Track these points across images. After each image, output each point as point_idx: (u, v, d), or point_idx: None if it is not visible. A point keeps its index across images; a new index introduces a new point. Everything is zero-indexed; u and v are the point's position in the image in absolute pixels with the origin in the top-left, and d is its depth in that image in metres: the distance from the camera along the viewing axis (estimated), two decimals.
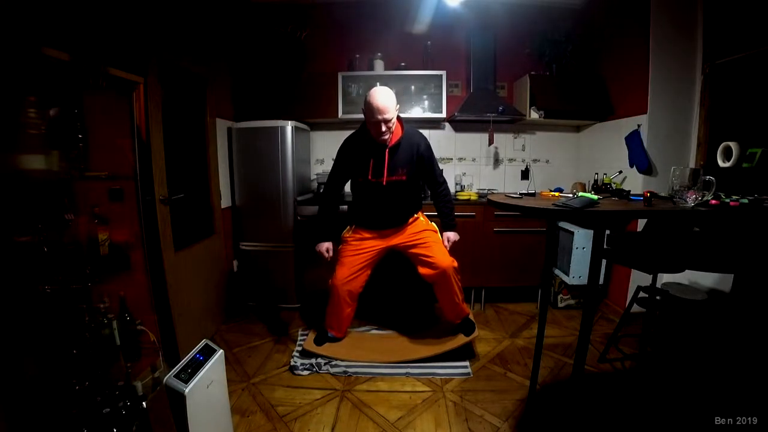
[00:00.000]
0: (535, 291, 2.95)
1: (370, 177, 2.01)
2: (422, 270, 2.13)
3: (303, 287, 2.92)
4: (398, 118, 2.02)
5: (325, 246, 2.19)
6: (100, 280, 1.46)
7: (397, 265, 2.44)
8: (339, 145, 2.17)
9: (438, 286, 2.15)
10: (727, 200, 1.33)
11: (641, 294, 2.04)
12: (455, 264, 2.11)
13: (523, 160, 3.41)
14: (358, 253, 2.14)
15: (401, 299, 2.89)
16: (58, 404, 1.31)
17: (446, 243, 2.16)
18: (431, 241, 2.13)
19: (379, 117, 1.87)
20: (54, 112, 1.40)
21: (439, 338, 2.27)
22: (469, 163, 3.43)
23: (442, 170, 2.24)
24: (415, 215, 2.19)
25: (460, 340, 2.19)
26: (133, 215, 1.79)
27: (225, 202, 2.80)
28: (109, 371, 1.42)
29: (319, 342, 2.26)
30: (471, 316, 2.30)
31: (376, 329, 2.52)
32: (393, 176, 2.01)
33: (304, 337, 2.38)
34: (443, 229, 2.21)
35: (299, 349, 2.30)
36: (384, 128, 1.90)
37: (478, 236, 2.82)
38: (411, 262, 2.21)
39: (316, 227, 2.33)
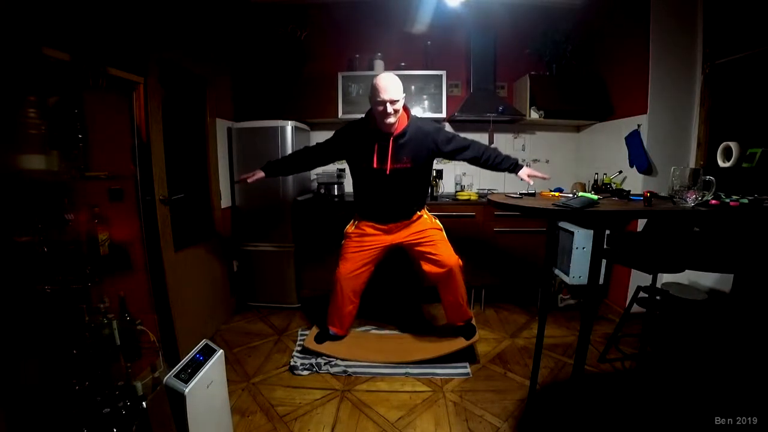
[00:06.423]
0: (535, 291, 2.95)
1: (375, 165, 1.97)
2: (428, 268, 2.11)
3: (303, 287, 2.93)
4: (405, 108, 1.99)
5: (258, 174, 2.12)
6: (100, 280, 1.46)
7: (399, 266, 2.44)
8: None
9: (443, 286, 2.14)
10: (727, 200, 1.33)
11: (641, 294, 2.04)
12: (461, 263, 2.11)
13: (523, 160, 3.38)
14: (361, 249, 2.13)
15: (402, 300, 2.90)
16: (58, 404, 1.31)
17: (529, 180, 1.97)
18: (437, 239, 2.11)
19: (385, 97, 1.83)
20: (53, 101, 1.40)
21: (440, 340, 2.26)
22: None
23: (470, 142, 2.07)
24: (419, 212, 2.14)
25: (461, 343, 2.18)
26: (133, 215, 1.79)
27: (225, 202, 2.80)
28: (109, 371, 1.42)
29: (319, 340, 2.26)
30: (473, 320, 2.28)
31: (376, 329, 2.52)
32: (397, 164, 1.97)
33: (304, 336, 2.38)
34: (515, 171, 2.03)
35: (299, 348, 2.30)
36: (390, 109, 1.84)
37: (478, 236, 2.81)
38: (413, 261, 2.20)
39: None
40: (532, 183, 1.97)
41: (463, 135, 2.20)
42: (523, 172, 2.01)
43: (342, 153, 2.15)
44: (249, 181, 2.12)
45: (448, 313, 2.25)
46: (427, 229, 2.13)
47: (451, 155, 2.07)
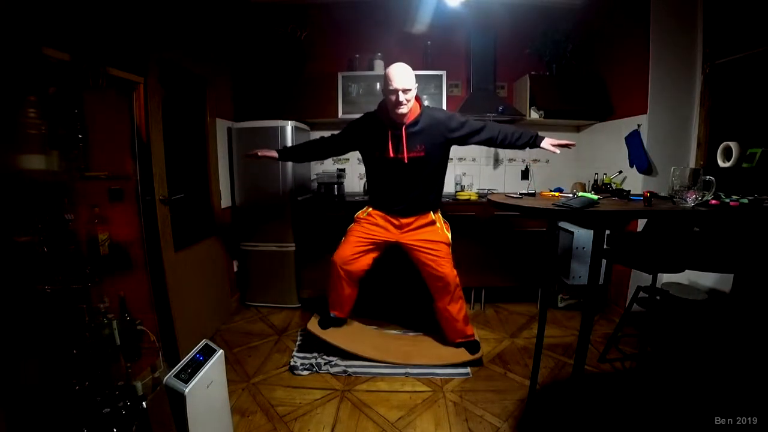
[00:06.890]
0: (535, 291, 2.95)
1: (390, 154, 1.95)
2: (425, 276, 2.13)
3: (303, 287, 2.92)
4: (417, 98, 1.98)
5: (270, 153, 2.18)
6: (100, 280, 1.46)
7: (403, 265, 2.43)
8: None
9: (438, 297, 2.13)
10: (727, 200, 1.33)
11: (641, 294, 2.04)
12: (458, 280, 2.10)
13: (523, 160, 3.40)
14: (366, 236, 2.12)
15: (411, 298, 2.88)
16: (58, 404, 1.31)
17: (555, 150, 1.92)
18: (442, 254, 2.09)
19: (397, 85, 1.83)
20: (53, 101, 1.39)
21: (442, 346, 2.24)
22: (469, 163, 3.43)
23: (483, 124, 2.01)
24: (432, 214, 2.11)
25: (463, 355, 2.15)
26: (133, 215, 1.79)
27: (225, 202, 2.80)
28: (109, 371, 1.42)
29: (323, 325, 2.26)
30: (475, 337, 2.23)
31: (379, 328, 2.51)
32: (411, 153, 1.95)
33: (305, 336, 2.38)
34: (536, 144, 1.95)
35: (300, 341, 2.31)
36: (402, 98, 1.84)
37: (478, 236, 2.81)
38: (415, 263, 2.19)
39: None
40: (558, 152, 1.93)
41: None
42: (546, 143, 1.92)
43: (355, 143, 2.15)
44: (260, 155, 2.17)
45: (444, 327, 2.21)
46: (437, 242, 2.09)
47: (465, 140, 2.02)
